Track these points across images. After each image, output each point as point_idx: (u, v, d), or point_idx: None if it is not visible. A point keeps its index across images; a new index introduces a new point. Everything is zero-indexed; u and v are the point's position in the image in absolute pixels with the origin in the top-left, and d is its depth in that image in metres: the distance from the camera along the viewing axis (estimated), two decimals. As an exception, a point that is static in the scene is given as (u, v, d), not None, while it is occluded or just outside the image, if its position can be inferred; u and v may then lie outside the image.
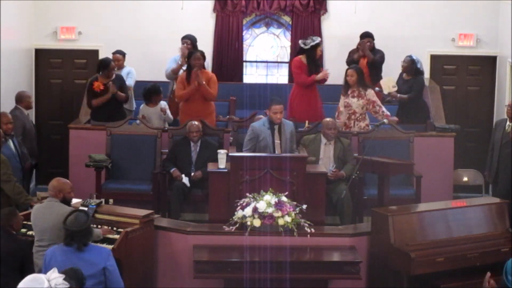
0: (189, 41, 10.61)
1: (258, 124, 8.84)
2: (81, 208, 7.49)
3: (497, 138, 9.58)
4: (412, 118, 10.42)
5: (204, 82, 9.75)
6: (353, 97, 9.87)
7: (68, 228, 5.99)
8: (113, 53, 10.84)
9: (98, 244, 7.00)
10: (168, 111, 10.34)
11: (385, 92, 10.54)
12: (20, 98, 9.94)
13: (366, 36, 11.21)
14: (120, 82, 10.24)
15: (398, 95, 10.55)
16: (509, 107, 9.52)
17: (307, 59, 10.33)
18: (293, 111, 10.27)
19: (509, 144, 9.22)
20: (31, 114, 10.96)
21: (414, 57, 10.70)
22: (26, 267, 6.52)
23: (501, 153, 9.37)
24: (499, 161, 9.38)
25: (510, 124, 9.45)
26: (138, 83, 11.05)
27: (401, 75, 10.80)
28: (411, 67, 10.62)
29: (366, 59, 11.05)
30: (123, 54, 10.92)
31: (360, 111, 9.88)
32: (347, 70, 10.11)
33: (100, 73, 10.14)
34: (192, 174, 9.18)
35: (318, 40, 10.42)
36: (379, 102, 9.90)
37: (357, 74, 9.90)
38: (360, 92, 9.86)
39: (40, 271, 6.24)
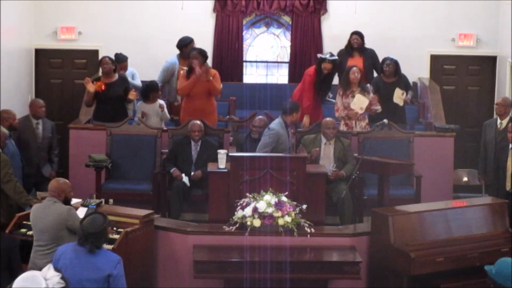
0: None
1: (278, 127, 8.88)
2: (80, 208, 7.51)
3: (490, 138, 9.58)
4: (392, 119, 10.23)
5: (211, 78, 9.77)
6: (353, 97, 9.89)
7: (84, 229, 5.98)
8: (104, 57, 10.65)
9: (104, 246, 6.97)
10: (166, 110, 10.34)
11: (401, 104, 10.33)
12: (30, 105, 9.84)
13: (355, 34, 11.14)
14: (124, 83, 10.22)
15: (409, 96, 10.51)
16: (498, 106, 9.57)
17: (316, 71, 10.31)
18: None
19: (505, 141, 9.22)
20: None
21: (394, 58, 10.59)
22: (14, 265, 6.50)
23: (497, 151, 9.37)
24: (498, 160, 9.37)
25: (503, 122, 9.46)
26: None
27: (379, 79, 10.53)
28: (395, 68, 10.51)
29: (362, 59, 10.98)
30: (113, 60, 10.47)
31: (360, 111, 9.91)
32: (350, 68, 10.08)
33: (101, 74, 10.14)
34: (192, 174, 9.19)
35: (326, 56, 10.36)
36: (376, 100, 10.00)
37: (360, 74, 9.95)
38: (360, 92, 9.87)
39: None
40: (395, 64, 10.42)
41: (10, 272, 6.37)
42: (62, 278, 5.06)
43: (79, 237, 6.01)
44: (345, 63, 10.83)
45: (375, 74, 10.98)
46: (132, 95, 10.13)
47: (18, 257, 6.69)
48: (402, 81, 10.45)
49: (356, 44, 11.01)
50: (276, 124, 8.96)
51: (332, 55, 10.41)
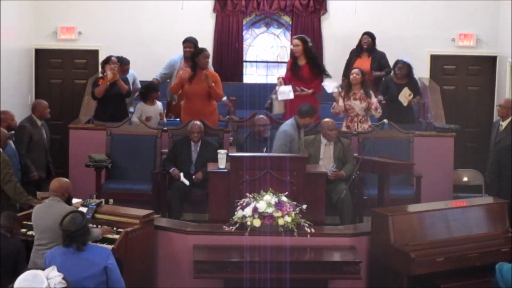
0: (192, 44, 10.56)
1: (290, 129, 8.90)
2: (80, 208, 7.52)
3: (492, 138, 9.62)
4: (399, 118, 10.24)
5: (213, 84, 9.75)
6: (355, 99, 9.87)
7: (65, 229, 6.00)
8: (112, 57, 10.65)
9: (98, 244, 7.01)
10: (164, 117, 10.35)
11: (405, 104, 10.43)
12: (35, 107, 9.69)
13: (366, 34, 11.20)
14: (125, 83, 10.19)
15: (416, 99, 10.59)
16: (500, 107, 9.58)
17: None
18: (292, 110, 10.24)
19: (506, 143, 9.23)
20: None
21: (406, 60, 10.62)
22: (19, 268, 6.52)
23: (497, 152, 9.39)
24: (499, 160, 9.39)
25: (503, 124, 9.48)
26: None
27: (390, 79, 10.60)
28: (407, 71, 10.54)
29: (370, 60, 11.01)
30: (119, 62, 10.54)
31: (362, 113, 9.89)
32: (351, 69, 10.09)
33: (104, 73, 10.12)
34: (193, 176, 9.19)
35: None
36: (377, 104, 9.95)
37: (362, 75, 9.93)
38: (362, 94, 9.86)
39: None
40: (408, 67, 10.49)
41: (14, 274, 6.38)
42: (63, 278, 5.08)
43: (63, 239, 6.02)
44: (353, 63, 10.90)
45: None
46: (122, 85, 10.01)
47: (25, 260, 6.71)
48: (412, 84, 10.49)
49: (366, 44, 11.08)
50: (288, 125, 8.96)
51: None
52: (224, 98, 10.52)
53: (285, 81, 10.22)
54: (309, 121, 9.15)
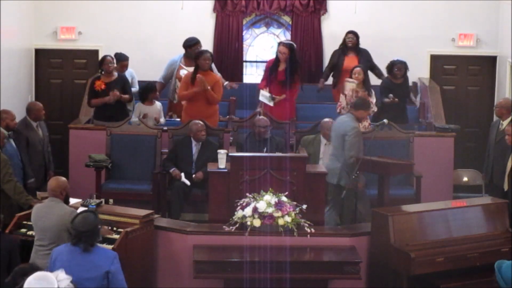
0: (200, 43, 10.55)
1: (356, 123, 8.75)
2: (80, 208, 7.51)
3: (492, 138, 9.62)
4: (394, 118, 10.24)
5: (209, 87, 9.73)
6: (356, 97, 9.86)
7: (75, 228, 5.98)
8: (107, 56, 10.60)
9: (104, 246, 6.98)
10: (161, 117, 10.33)
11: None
12: (29, 110, 9.54)
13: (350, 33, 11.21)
14: (123, 83, 10.21)
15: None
16: (497, 108, 9.60)
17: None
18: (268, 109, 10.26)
19: (504, 142, 9.24)
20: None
21: (402, 59, 10.62)
22: (13, 265, 6.53)
23: (496, 152, 9.39)
24: (494, 161, 9.41)
25: (503, 123, 9.49)
26: (138, 83, 11.07)
27: (389, 80, 10.54)
28: (405, 70, 10.54)
29: (357, 58, 11.01)
30: (118, 58, 10.65)
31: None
32: (354, 68, 10.08)
33: (102, 72, 10.12)
34: (194, 175, 9.18)
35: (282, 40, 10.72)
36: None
37: (364, 74, 9.92)
38: (364, 92, 9.85)
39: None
40: (405, 66, 10.47)
41: (8, 273, 6.39)
42: (71, 282, 5.09)
43: (72, 237, 6.01)
44: (341, 62, 10.89)
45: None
46: (124, 99, 10.07)
47: (18, 257, 6.71)
48: (407, 82, 10.54)
49: (350, 43, 11.06)
50: (352, 121, 8.73)
51: (289, 41, 10.69)
52: (226, 83, 10.58)
53: (265, 80, 10.37)
54: (364, 114, 8.98)
